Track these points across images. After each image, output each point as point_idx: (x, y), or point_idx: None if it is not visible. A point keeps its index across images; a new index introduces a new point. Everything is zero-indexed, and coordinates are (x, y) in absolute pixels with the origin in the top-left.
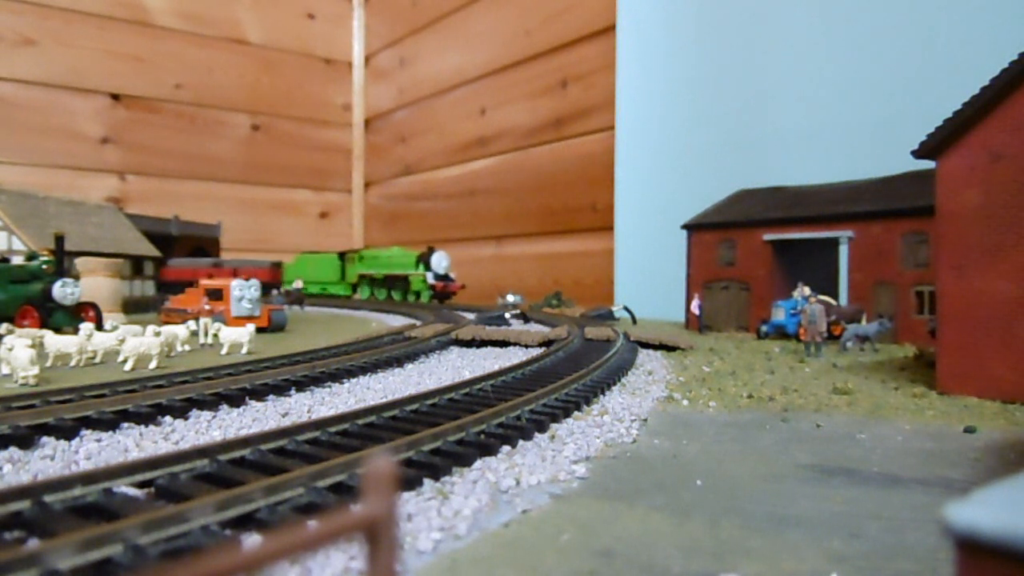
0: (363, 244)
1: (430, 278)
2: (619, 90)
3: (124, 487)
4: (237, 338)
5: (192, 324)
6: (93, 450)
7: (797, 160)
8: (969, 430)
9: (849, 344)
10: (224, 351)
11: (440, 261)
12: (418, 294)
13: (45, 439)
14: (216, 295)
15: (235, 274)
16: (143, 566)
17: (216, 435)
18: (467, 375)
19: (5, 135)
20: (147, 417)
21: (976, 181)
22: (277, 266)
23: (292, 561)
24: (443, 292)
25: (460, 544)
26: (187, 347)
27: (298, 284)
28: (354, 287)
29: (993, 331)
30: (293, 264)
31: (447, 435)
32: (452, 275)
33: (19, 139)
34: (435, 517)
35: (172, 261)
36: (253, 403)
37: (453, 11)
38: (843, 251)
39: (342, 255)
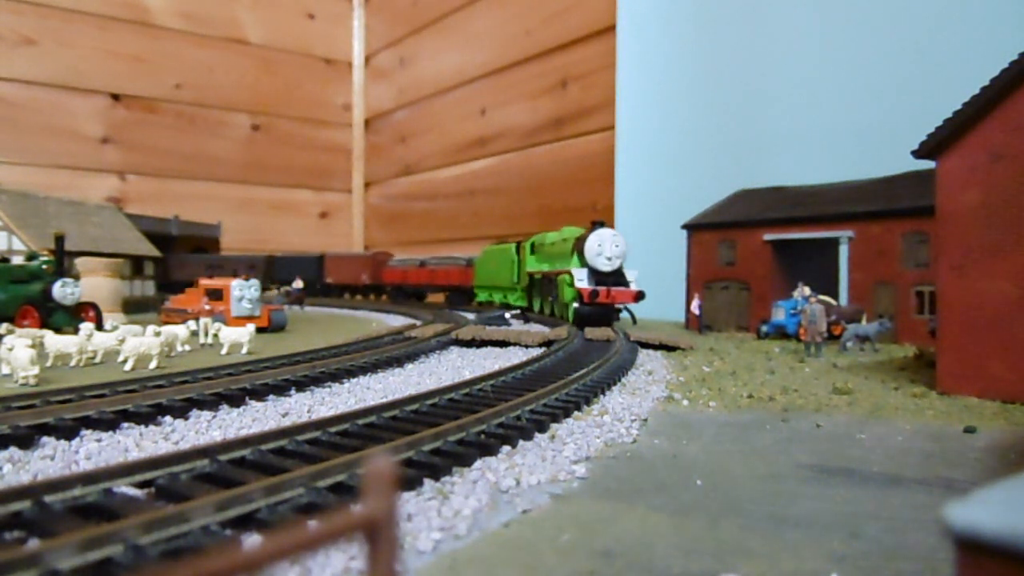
0: (363, 245)
1: (581, 279)
2: (619, 90)
3: (124, 487)
4: (237, 338)
5: (192, 324)
6: (93, 450)
7: (797, 160)
8: (969, 430)
9: (849, 344)
10: (224, 351)
11: (601, 247)
12: (567, 307)
13: (45, 439)
14: (216, 295)
15: (432, 275)
16: (143, 566)
17: (216, 435)
18: (467, 375)
19: (5, 135)
20: (147, 417)
21: (976, 181)
22: (470, 264)
23: (292, 561)
24: (596, 305)
25: (460, 544)
26: (187, 347)
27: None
28: (529, 293)
29: (993, 331)
30: (481, 259)
31: (447, 435)
32: (629, 275)
33: (19, 139)
34: (435, 517)
35: (393, 261)
36: (253, 403)
37: (453, 11)
38: (843, 251)
39: (519, 246)
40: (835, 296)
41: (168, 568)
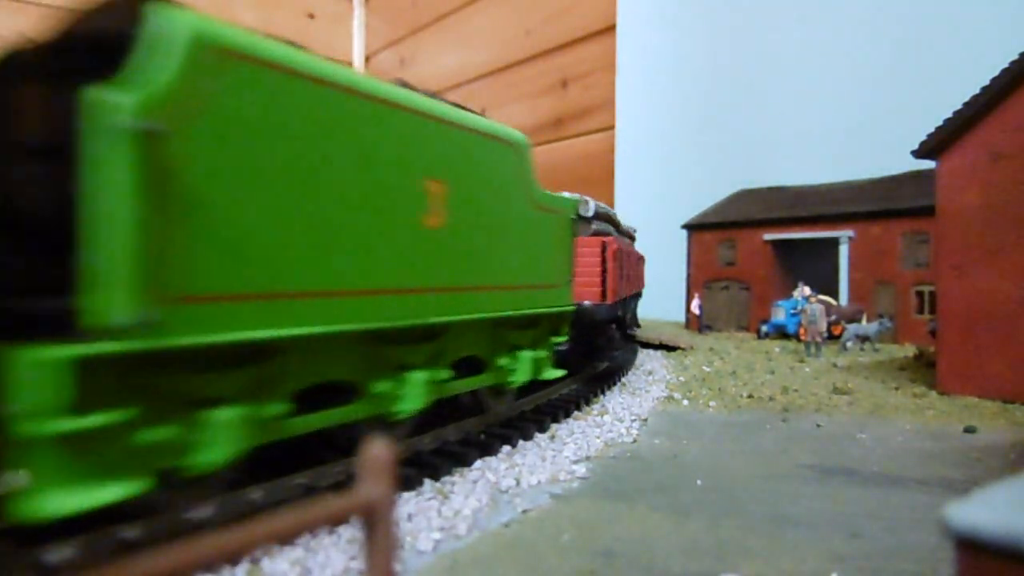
0: None
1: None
2: (619, 90)
3: None
4: None
5: None
6: None
7: (797, 160)
8: (969, 430)
9: (849, 344)
10: None
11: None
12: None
13: None
14: None
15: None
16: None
17: None
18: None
19: None
20: None
21: (976, 181)
22: None
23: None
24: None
25: (460, 544)
26: None
27: None
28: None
29: (993, 331)
30: None
31: (447, 435)
32: None
33: None
34: (435, 517)
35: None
36: None
37: (453, 11)
38: (843, 251)
39: None
40: (835, 296)
41: (170, 548)
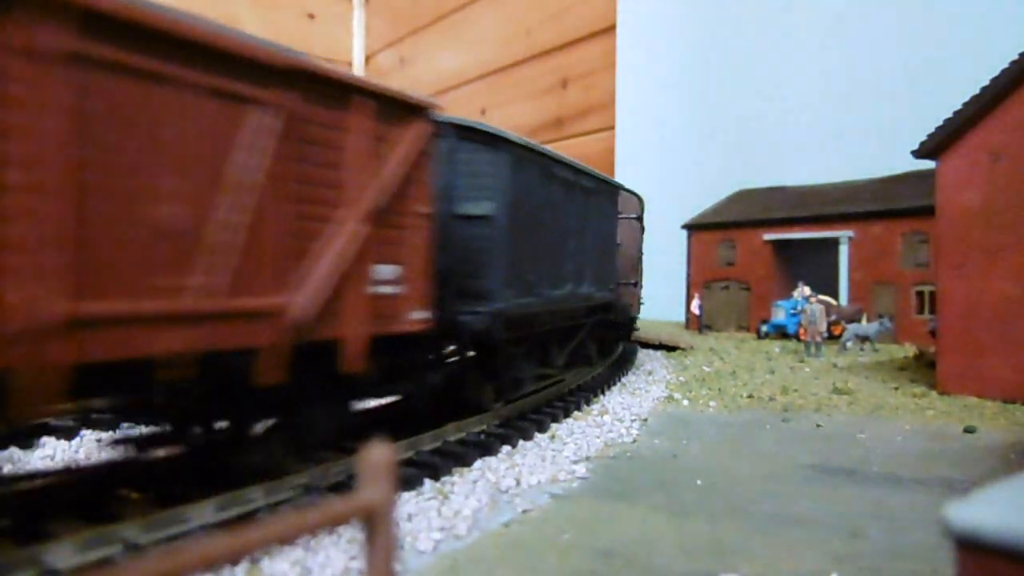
0: None
1: None
2: (619, 90)
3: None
4: None
5: None
6: (93, 450)
7: (797, 160)
8: (969, 430)
9: (849, 344)
10: None
11: None
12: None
13: (45, 439)
14: None
15: None
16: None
17: None
18: None
19: None
20: None
21: (976, 181)
22: None
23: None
24: None
25: (460, 544)
26: None
27: None
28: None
29: (993, 331)
30: None
31: (447, 435)
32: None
33: None
34: (435, 517)
35: None
36: None
37: (453, 11)
38: (843, 251)
39: None
40: (835, 296)
41: (176, 550)
